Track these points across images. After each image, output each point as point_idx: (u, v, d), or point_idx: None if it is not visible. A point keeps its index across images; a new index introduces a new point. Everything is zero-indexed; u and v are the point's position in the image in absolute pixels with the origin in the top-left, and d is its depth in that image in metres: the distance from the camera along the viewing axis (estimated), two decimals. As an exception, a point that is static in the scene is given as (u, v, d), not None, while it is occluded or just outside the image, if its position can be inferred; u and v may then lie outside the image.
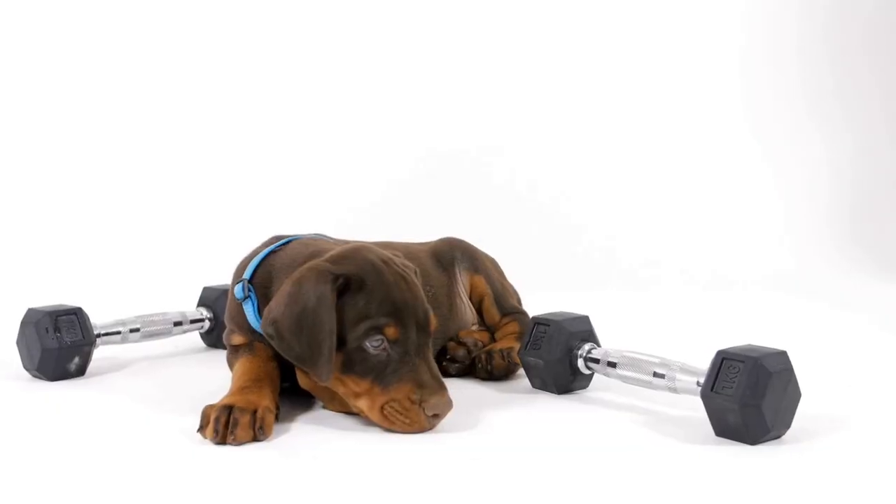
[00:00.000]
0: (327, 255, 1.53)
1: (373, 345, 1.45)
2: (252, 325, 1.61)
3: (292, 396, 1.63)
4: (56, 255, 3.00)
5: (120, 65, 3.30)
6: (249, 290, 1.62)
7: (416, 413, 1.44)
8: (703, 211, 3.58)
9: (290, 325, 1.45)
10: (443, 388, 1.47)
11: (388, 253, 1.57)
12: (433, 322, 1.52)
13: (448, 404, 1.46)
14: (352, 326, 1.45)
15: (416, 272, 1.59)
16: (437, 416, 1.46)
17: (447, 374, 1.84)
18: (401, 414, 1.45)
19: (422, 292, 1.53)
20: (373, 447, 1.41)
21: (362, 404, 1.48)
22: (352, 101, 3.48)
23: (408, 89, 3.52)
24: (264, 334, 1.51)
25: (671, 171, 3.62)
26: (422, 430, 1.45)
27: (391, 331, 1.46)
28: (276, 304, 1.49)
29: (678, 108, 3.67)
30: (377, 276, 1.48)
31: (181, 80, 3.35)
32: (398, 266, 1.53)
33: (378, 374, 1.46)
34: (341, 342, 1.45)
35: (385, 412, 1.45)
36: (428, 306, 1.52)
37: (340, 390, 1.50)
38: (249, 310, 1.61)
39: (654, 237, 3.46)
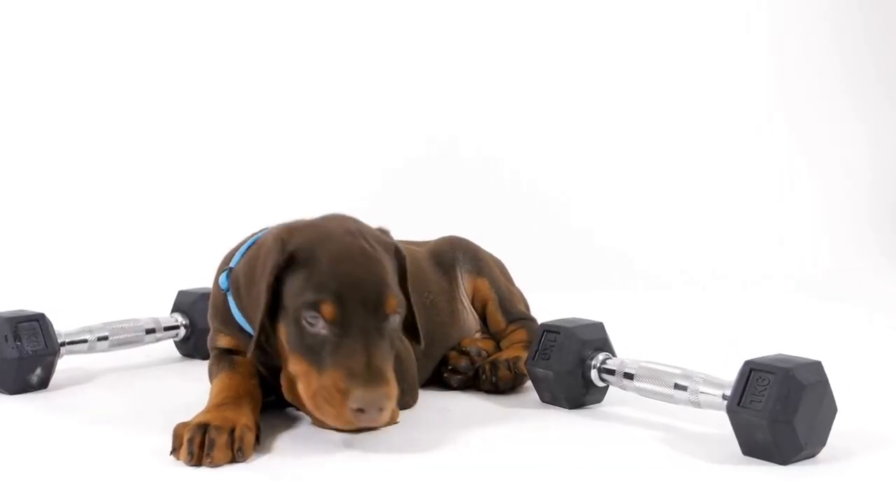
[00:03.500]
0: (296, 222, 1.56)
1: (309, 322, 1.44)
2: (241, 322, 1.60)
3: (275, 412, 1.63)
4: (16, 257, 3.00)
5: (94, 65, 3.33)
6: None
7: (339, 404, 1.40)
8: (727, 207, 3.62)
9: (243, 282, 1.55)
10: (376, 381, 1.40)
11: (367, 227, 1.56)
12: (391, 305, 1.46)
13: (379, 400, 1.39)
14: (292, 299, 1.46)
15: (394, 249, 1.55)
16: (362, 412, 1.39)
17: (449, 387, 1.84)
18: (327, 403, 1.42)
19: (384, 270, 1.49)
20: (361, 468, 1.40)
21: (300, 388, 1.47)
22: (344, 89, 3.51)
23: (410, 79, 3.56)
24: (230, 291, 1.58)
25: (698, 164, 3.67)
26: (346, 425, 1.42)
27: (327, 309, 1.43)
28: (239, 263, 1.59)
29: (703, 97, 3.73)
30: (328, 248, 1.47)
31: (161, 76, 3.38)
32: (366, 240, 1.51)
33: (315, 355, 1.44)
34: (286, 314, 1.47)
35: (315, 400, 1.44)
36: (387, 287, 1.47)
37: (291, 369, 1.49)
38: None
39: (675, 234, 3.49)
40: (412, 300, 1.58)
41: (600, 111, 3.68)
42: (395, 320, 1.50)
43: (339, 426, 1.44)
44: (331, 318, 1.43)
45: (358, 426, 1.42)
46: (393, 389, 1.43)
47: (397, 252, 1.57)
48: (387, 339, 1.47)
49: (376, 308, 1.45)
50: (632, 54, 3.72)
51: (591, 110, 3.67)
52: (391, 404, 1.42)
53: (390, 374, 1.44)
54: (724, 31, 3.80)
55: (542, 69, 3.66)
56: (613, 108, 3.69)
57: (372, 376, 1.40)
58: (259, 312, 1.48)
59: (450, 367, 1.85)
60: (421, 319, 1.67)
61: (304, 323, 1.44)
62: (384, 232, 1.60)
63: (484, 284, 1.97)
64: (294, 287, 1.46)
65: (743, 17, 3.82)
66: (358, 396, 1.39)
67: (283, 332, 1.48)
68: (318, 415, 1.45)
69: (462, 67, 3.61)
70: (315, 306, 1.43)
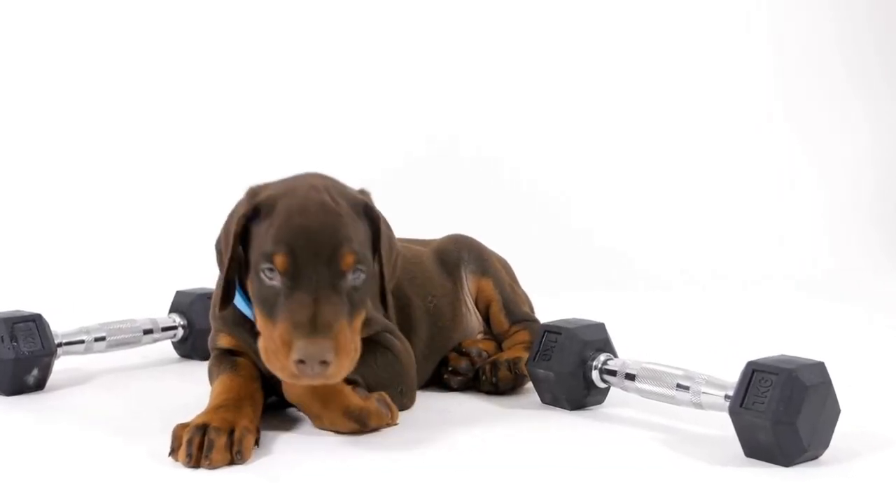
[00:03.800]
0: (273, 180, 1.57)
1: (267, 275, 1.45)
2: (242, 309, 1.60)
3: (276, 413, 1.63)
4: (12, 257, 2.99)
5: (93, 67, 3.33)
6: None
7: (284, 356, 1.40)
8: (728, 207, 3.63)
9: (221, 238, 1.58)
10: (319, 333, 1.39)
11: (340, 185, 1.55)
12: (347, 260, 1.45)
13: (321, 353, 1.37)
14: (254, 253, 1.48)
15: (364, 207, 1.54)
16: (303, 364, 1.39)
17: (449, 388, 1.84)
18: (274, 355, 1.42)
19: (343, 224, 1.47)
20: (362, 470, 1.40)
21: (259, 343, 1.47)
22: (345, 90, 3.52)
23: (410, 79, 3.57)
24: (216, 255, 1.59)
25: (698, 163, 3.68)
26: (290, 377, 1.42)
27: (279, 259, 1.43)
28: None
29: (703, 96, 3.75)
30: (289, 202, 1.48)
31: (159, 76, 3.38)
32: (330, 195, 1.50)
33: (270, 307, 1.44)
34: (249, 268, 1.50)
35: (266, 353, 1.44)
36: (344, 241, 1.45)
37: (258, 327, 1.49)
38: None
39: (676, 234, 3.50)
40: (385, 262, 1.56)
41: (600, 111, 3.69)
42: (357, 278, 1.47)
43: (286, 378, 1.44)
44: (283, 269, 1.43)
45: (301, 379, 1.42)
46: (341, 345, 1.41)
47: (369, 210, 1.55)
48: (342, 295, 1.44)
49: (330, 261, 1.44)
50: (632, 54, 3.73)
51: (592, 110, 3.68)
52: (338, 361, 1.40)
53: (339, 329, 1.42)
54: (724, 30, 3.81)
55: (542, 69, 3.67)
56: (613, 108, 3.70)
57: (316, 328, 1.39)
58: (226, 259, 1.51)
59: (450, 369, 1.85)
60: (419, 314, 1.67)
61: (262, 275, 1.46)
62: (364, 193, 1.59)
63: (488, 285, 1.96)
64: (256, 240, 1.49)
65: (743, 15, 3.83)
66: (299, 347, 1.39)
67: (250, 288, 1.50)
68: (269, 367, 1.45)
69: (462, 67, 3.61)
70: (269, 257, 1.44)
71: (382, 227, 1.57)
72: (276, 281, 1.44)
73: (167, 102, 3.37)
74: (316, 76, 3.50)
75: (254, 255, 1.48)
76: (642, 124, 3.70)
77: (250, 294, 1.51)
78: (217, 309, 1.57)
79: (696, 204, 3.62)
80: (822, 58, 3.87)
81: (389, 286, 1.61)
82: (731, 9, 3.81)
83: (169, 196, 3.25)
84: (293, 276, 1.43)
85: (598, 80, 3.70)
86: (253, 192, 1.53)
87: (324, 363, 1.39)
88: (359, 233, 1.50)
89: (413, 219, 2.19)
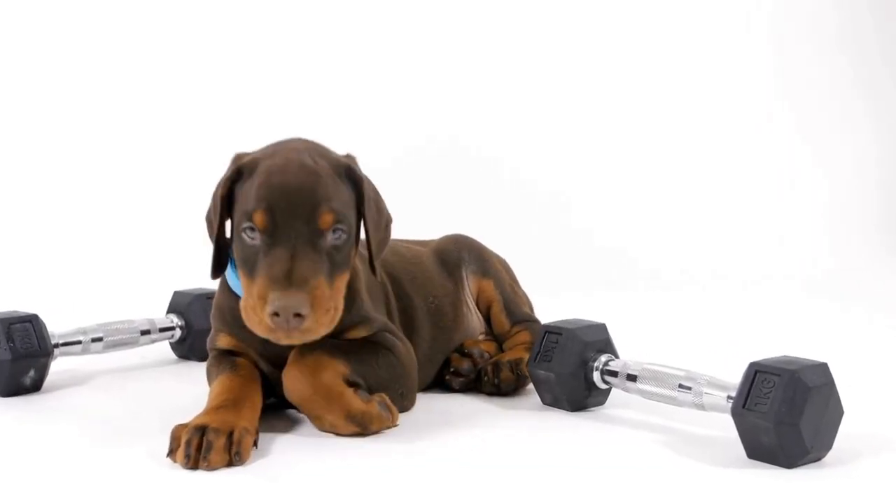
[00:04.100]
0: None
1: (248, 234, 1.47)
2: (234, 287, 1.61)
3: (275, 414, 1.63)
4: (9, 257, 2.99)
5: (89, 68, 3.33)
6: None
7: (260, 310, 1.43)
8: (728, 207, 3.64)
9: (209, 208, 1.60)
10: (294, 286, 1.41)
11: (322, 148, 1.58)
12: (325, 218, 1.47)
13: (295, 305, 1.39)
14: (236, 214, 1.51)
15: (347, 169, 1.55)
16: (277, 317, 1.41)
17: (450, 389, 1.84)
18: (252, 311, 1.44)
19: (322, 183, 1.48)
20: (361, 471, 1.40)
21: (241, 303, 1.49)
22: (344, 89, 3.52)
23: (410, 79, 3.59)
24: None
25: (698, 164, 3.69)
26: (267, 332, 1.44)
27: (258, 217, 1.46)
28: None
29: (703, 96, 3.76)
30: (269, 162, 1.51)
31: (155, 77, 3.38)
32: (311, 156, 1.52)
33: (251, 267, 1.47)
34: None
35: (246, 312, 1.46)
36: (322, 199, 1.47)
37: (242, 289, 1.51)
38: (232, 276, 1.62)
39: (677, 234, 3.50)
40: (372, 227, 1.57)
41: (601, 111, 3.69)
42: (338, 238, 1.49)
43: (263, 335, 1.45)
44: (262, 226, 1.46)
45: (277, 334, 1.43)
46: (317, 298, 1.42)
47: (351, 172, 1.57)
48: (321, 254, 1.46)
49: (308, 219, 1.46)
50: (632, 54, 3.73)
51: (592, 110, 3.68)
52: (314, 315, 1.42)
53: (316, 284, 1.43)
54: (724, 30, 3.82)
55: (542, 69, 3.67)
56: (614, 108, 3.70)
57: (291, 282, 1.41)
58: (215, 224, 1.54)
59: (452, 370, 1.85)
60: (423, 319, 1.66)
61: (244, 235, 1.48)
62: (349, 157, 1.60)
63: (489, 286, 1.96)
64: (239, 201, 1.51)
65: (743, 14, 3.83)
66: (272, 299, 1.41)
67: (235, 252, 1.52)
68: (248, 325, 1.47)
69: (462, 67, 3.61)
70: (249, 216, 1.47)
71: (367, 191, 1.58)
72: (256, 240, 1.47)
73: (164, 102, 3.37)
74: (315, 77, 3.50)
75: (236, 216, 1.51)
76: (643, 124, 3.71)
77: (235, 258, 1.53)
78: (211, 276, 1.60)
79: (696, 204, 3.63)
80: (823, 57, 3.89)
81: (379, 253, 1.62)
82: (731, 6, 3.82)
83: (167, 195, 3.25)
84: (272, 233, 1.46)
85: (599, 79, 3.71)
86: (238, 157, 1.57)
87: (299, 316, 1.41)
88: (340, 193, 1.52)
89: (413, 218, 2.19)
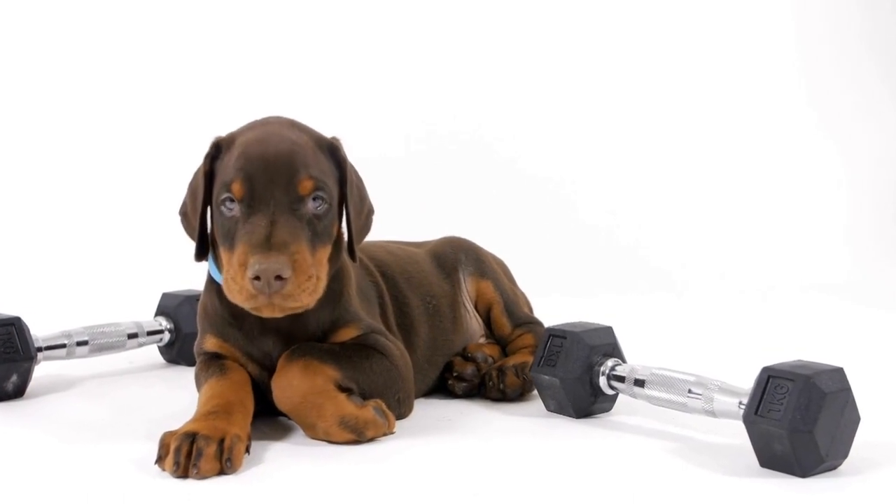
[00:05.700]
0: None
1: (227, 206, 1.50)
2: (214, 275, 1.63)
3: (266, 421, 1.62)
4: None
5: (85, 69, 3.36)
6: None
7: (242, 278, 1.44)
8: (743, 210, 3.64)
9: (183, 200, 1.62)
10: (274, 250, 1.43)
11: (303, 125, 1.60)
12: (304, 184, 1.49)
13: (276, 267, 1.41)
14: (216, 188, 1.53)
15: (329, 146, 1.58)
16: (258, 281, 1.42)
17: (453, 395, 1.84)
18: (233, 280, 1.46)
19: (301, 151, 1.51)
20: (357, 481, 1.39)
21: (222, 276, 1.50)
22: (344, 87, 3.55)
23: (411, 79, 3.61)
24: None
25: (711, 166, 3.70)
26: (250, 299, 1.45)
27: (236, 186, 1.48)
28: None
29: (718, 97, 3.75)
30: (247, 136, 1.53)
31: (151, 77, 3.40)
32: (289, 129, 1.54)
33: (231, 239, 1.49)
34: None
35: (227, 283, 1.47)
36: (300, 166, 1.49)
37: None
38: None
39: (687, 234, 3.50)
40: (353, 213, 1.59)
41: (612, 108, 3.68)
42: (319, 206, 1.51)
43: (246, 304, 1.46)
44: (240, 196, 1.48)
45: (259, 299, 1.44)
46: (298, 262, 1.44)
47: (334, 150, 1.59)
48: (302, 221, 1.49)
49: (287, 186, 1.48)
50: (645, 51, 3.72)
51: (603, 107, 3.68)
52: (296, 278, 1.44)
53: (297, 249, 1.45)
54: (743, 28, 3.80)
55: (550, 66, 3.67)
56: (625, 106, 3.70)
57: (270, 246, 1.43)
58: (199, 201, 1.55)
59: (455, 374, 1.85)
60: (423, 323, 1.65)
61: (223, 208, 1.50)
62: (335, 138, 1.62)
63: (488, 287, 1.96)
64: (218, 176, 1.53)
65: (765, 13, 3.81)
66: (252, 263, 1.43)
67: (216, 229, 1.54)
68: (229, 297, 1.48)
69: (463, 67, 3.62)
70: (227, 186, 1.49)
71: (350, 174, 1.60)
72: (234, 210, 1.49)
73: (151, 104, 3.38)
74: (315, 74, 3.52)
75: (216, 190, 1.53)
76: (656, 122, 3.71)
77: (216, 236, 1.54)
78: (195, 258, 1.61)
79: (706, 203, 3.63)
80: (846, 58, 3.87)
81: (360, 239, 1.64)
82: (752, 6, 3.80)
83: (154, 196, 3.24)
84: (250, 202, 1.47)
85: (611, 75, 3.70)
86: (217, 136, 1.60)
87: (280, 279, 1.42)
88: (320, 163, 1.54)
89: (413, 218, 2.20)
